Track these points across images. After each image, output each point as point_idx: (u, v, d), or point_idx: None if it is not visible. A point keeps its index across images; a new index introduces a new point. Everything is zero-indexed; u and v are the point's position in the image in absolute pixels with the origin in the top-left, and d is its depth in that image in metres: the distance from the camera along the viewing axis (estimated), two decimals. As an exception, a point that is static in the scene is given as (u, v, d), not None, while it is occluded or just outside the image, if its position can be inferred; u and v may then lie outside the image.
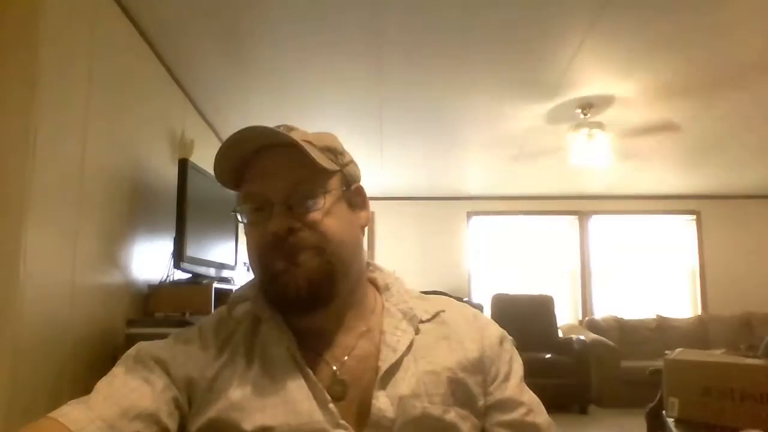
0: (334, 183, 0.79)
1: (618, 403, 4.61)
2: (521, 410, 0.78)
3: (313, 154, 0.74)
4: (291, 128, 0.79)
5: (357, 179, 0.84)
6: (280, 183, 0.75)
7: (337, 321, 0.80)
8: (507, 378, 0.80)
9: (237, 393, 0.72)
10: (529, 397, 0.80)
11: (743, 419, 1.87)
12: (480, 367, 0.78)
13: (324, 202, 0.76)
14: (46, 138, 1.63)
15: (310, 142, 0.77)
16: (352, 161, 0.84)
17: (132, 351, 0.77)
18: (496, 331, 0.84)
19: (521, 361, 0.84)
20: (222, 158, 0.75)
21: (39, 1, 1.63)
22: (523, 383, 0.82)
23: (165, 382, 0.72)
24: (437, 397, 0.74)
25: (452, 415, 0.74)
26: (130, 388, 0.70)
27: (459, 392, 0.76)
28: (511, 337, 0.86)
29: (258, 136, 0.74)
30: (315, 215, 0.75)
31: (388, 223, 5.93)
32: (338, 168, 0.80)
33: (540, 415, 0.79)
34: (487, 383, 0.79)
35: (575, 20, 2.35)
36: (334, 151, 0.81)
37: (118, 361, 0.76)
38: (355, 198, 0.82)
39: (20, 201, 1.55)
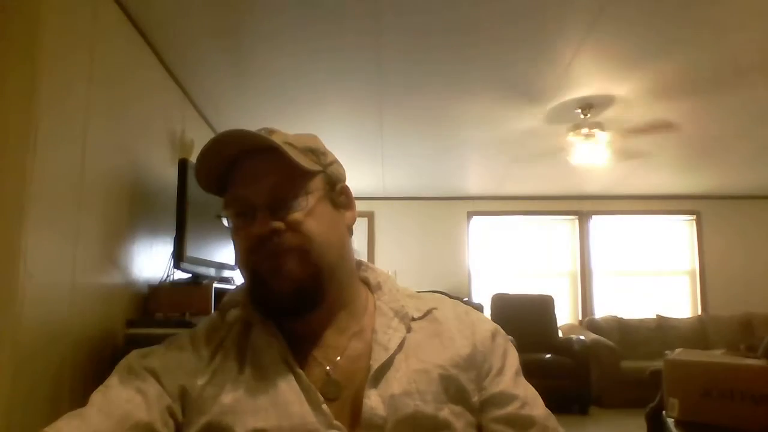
0: (317, 184, 0.79)
1: (618, 403, 4.61)
2: (516, 404, 0.77)
3: (293, 156, 0.74)
4: (272, 131, 0.79)
5: (341, 179, 0.84)
6: (261, 186, 0.75)
7: (329, 322, 0.80)
8: (501, 372, 0.79)
9: (229, 397, 0.72)
10: (524, 390, 0.80)
11: (743, 419, 1.87)
12: (472, 362, 0.78)
13: (306, 202, 0.76)
14: (46, 138, 1.63)
15: (290, 144, 0.77)
16: (335, 161, 0.84)
17: (125, 361, 0.77)
18: (488, 326, 0.84)
19: (517, 355, 0.84)
20: (202, 164, 0.76)
21: (39, 1, 1.63)
22: (519, 377, 0.81)
23: (158, 391, 0.72)
24: (429, 395, 0.74)
25: (446, 413, 0.73)
26: (125, 399, 0.70)
27: (452, 389, 0.75)
28: (506, 334, 0.85)
29: (237, 140, 0.75)
30: (297, 216, 0.75)
31: (388, 223, 5.93)
32: (321, 168, 0.80)
33: (536, 407, 0.78)
34: (480, 378, 0.78)
35: (575, 20, 2.35)
36: (316, 152, 0.81)
37: (113, 371, 0.75)
38: (339, 198, 0.82)
39: (20, 201, 1.54)
